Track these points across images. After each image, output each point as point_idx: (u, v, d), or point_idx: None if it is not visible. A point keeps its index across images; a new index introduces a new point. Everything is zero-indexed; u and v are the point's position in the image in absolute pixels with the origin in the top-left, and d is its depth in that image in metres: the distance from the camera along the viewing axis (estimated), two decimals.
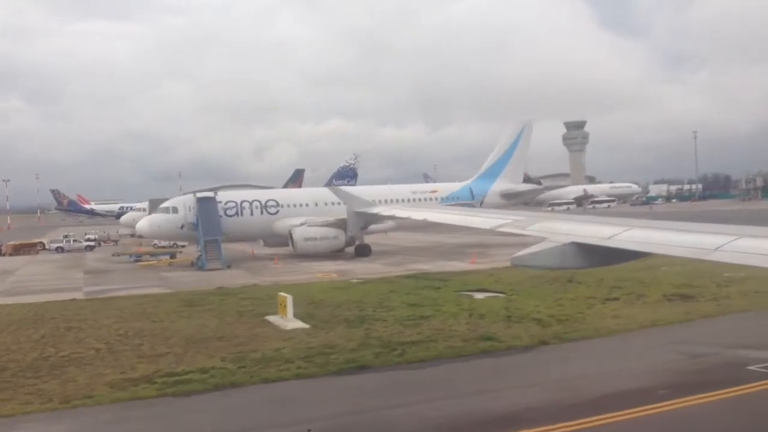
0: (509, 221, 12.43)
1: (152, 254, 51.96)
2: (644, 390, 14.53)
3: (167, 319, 25.36)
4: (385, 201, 52.26)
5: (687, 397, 13.74)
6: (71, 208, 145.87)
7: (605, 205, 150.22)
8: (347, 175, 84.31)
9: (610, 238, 9.42)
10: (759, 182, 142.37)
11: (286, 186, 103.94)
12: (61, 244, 67.15)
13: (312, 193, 53.35)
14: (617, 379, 15.54)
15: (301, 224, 48.27)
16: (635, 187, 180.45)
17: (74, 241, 67.77)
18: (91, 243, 67.92)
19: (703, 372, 15.84)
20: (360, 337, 20.83)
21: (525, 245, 38.08)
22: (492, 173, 56.78)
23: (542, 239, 10.46)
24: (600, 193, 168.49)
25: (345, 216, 48.37)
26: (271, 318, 24.54)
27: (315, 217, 49.22)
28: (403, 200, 52.80)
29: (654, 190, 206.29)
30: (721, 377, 15.11)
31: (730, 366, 16.04)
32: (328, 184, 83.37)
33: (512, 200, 57.34)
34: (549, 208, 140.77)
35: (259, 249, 54.91)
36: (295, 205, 50.47)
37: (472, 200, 54.38)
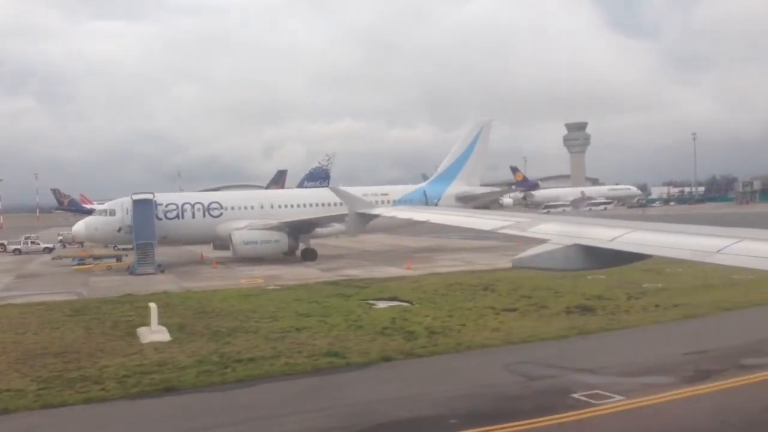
0: (511, 223, 12.43)
1: (96, 257, 50.74)
2: (433, 418, 13.18)
3: (33, 331, 24.04)
4: (333, 204, 50.99)
5: (471, 428, 12.33)
6: (72, 207, 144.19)
7: (601, 207, 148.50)
8: (319, 176, 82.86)
9: (612, 240, 9.48)
10: (757, 185, 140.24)
11: (268, 187, 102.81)
12: (18, 246, 66.26)
13: (258, 196, 52.05)
14: (415, 404, 14.16)
15: (244, 227, 46.99)
16: (634, 190, 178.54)
17: (32, 243, 66.79)
18: (49, 245, 66.85)
19: (520, 399, 14.38)
20: (207, 353, 19.51)
21: (490, 249, 37.91)
22: (448, 176, 55.22)
23: (544, 241, 10.29)
24: (598, 196, 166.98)
25: (290, 219, 47.47)
26: (141, 329, 23.25)
27: (260, 221, 47.95)
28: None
29: (656, 192, 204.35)
30: (533, 405, 13.71)
31: (555, 392, 14.61)
32: (300, 186, 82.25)
33: (469, 203, 55.71)
34: (545, 210, 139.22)
35: (210, 252, 53.66)
36: (239, 208, 49.20)
37: (425, 203, 52.82)
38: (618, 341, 19.72)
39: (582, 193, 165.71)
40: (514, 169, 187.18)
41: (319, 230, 49.61)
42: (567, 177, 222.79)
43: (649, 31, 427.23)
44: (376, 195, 52.79)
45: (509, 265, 39.27)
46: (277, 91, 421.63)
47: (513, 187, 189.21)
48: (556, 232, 10.64)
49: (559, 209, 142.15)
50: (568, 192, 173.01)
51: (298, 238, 48.30)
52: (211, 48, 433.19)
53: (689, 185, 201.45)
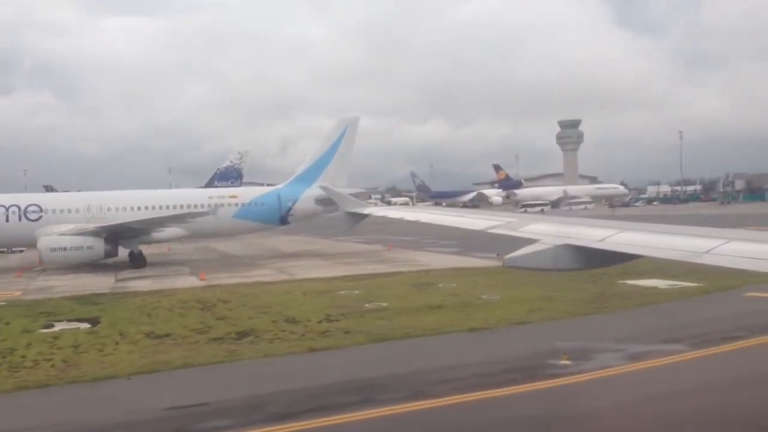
0: (502, 222, 12.58)
1: None
2: None
3: None
4: (174, 207, 47.78)
5: None
6: None
7: (582, 206, 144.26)
8: (231, 176, 79.51)
9: (602, 240, 9.65)
10: (739, 185, 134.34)
11: (207, 185, 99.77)
12: None
13: (84, 198, 48.70)
14: None
15: (64, 232, 43.75)
16: (622, 188, 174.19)
17: None
18: None
19: None
20: None
21: (353, 255, 34.99)
22: (308, 177, 51.42)
23: (534, 241, 10.39)
24: (584, 194, 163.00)
25: (118, 222, 44.20)
26: None
27: (86, 225, 44.70)
28: (197, 206, 48.13)
29: (651, 191, 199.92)
30: None
31: None
32: (210, 185, 78.99)
33: (330, 206, 52.03)
34: (522, 210, 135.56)
35: None
36: (62, 211, 45.93)
37: (278, 206, 49.42)
38: (148, 384, 16.05)
39: (564, 192, 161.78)
40: (497, 168, 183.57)
41: (156, 235, 46.27)
42: (560, 175, 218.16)
43: (658, 28, 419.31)
44: (223, 197, 49.53)
45: (312, 276, 35.63)
46: (290, 87, 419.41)
47: (495, 185, 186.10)
48: (546, 232, 10.78)
49: (537, 209, 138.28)
50: (552, 191, 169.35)
51: (119, 244, 44.86)
52: (222, 44, 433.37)
53: (703, 183, 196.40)
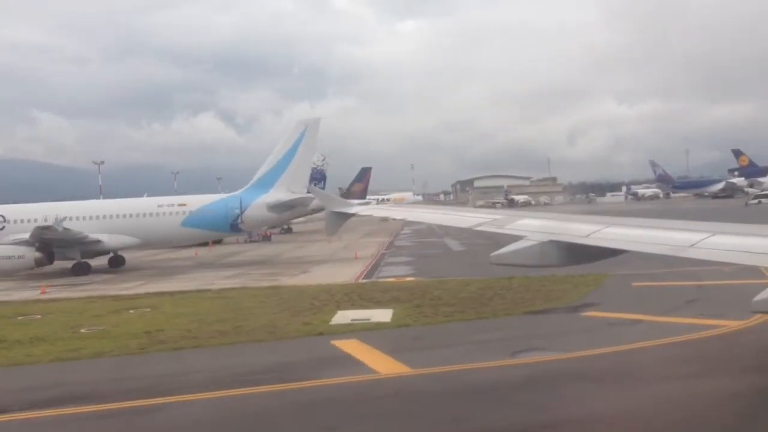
0: (488, 220, 12.87)
1: None
2: None
3: None
4: (129, 215, 49.39)
5: None
6: None
7: None
8: (315, 177, 79.48)
9: (587, 236, 9.92)
10: None
11: (351, 186, 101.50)
12: None
13: (46, 209, 51.52)
14: None
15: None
16: None
17: None
18: None
19: None
20: None
21: (211, 265, 35.14)
22: (265, 183, 49.22)
23: (521, 238, 10.80)
24: None
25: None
26: None
27: (24, 235, 46.73)
28: (147, 214, 49.30)
29: None
30: None
31: None
32: None
33: (285, 213, 49.63)
34: (755, 201, 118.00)
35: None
36: (23, 221, 49.11)
37: (225, 214, 48.61)
38: None
39: None
40: (737, 153, 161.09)
41: (105, 245, 48.04)
42: None
43: None
44: (173, 206, 49.93)
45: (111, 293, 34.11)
46: (568, 76, 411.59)
47: (735, 173, 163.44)
48: (534, 228, 10.90)
49: (755, 201, 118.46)
50: None
51: (55, 254, 47.06)
52: (500, 40, 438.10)
53: None
